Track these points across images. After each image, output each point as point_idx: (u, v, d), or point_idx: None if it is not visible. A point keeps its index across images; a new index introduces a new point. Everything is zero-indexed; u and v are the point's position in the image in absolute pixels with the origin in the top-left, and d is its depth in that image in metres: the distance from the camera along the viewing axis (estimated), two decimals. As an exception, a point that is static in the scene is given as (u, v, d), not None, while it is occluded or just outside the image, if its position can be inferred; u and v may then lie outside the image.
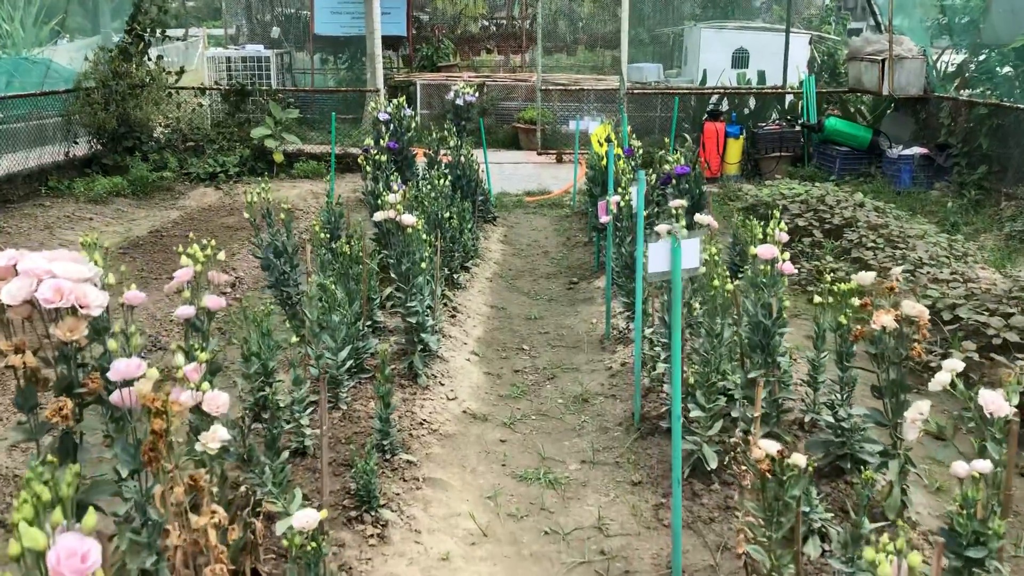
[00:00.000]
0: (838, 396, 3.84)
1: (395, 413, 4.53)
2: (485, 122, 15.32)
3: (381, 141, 7.16)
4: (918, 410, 2.64)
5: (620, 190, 5.73)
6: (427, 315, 5.04)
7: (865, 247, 7.48)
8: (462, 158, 8.44)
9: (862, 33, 20.90)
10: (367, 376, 4.98)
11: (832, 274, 7.06)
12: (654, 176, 7.11)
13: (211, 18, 24.94)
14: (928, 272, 6.67)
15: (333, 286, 4.60)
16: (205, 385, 2.66)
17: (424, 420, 4.60)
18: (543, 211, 10.90)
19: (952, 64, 12.37)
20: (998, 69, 11.39)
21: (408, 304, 4.87)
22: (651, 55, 19.39)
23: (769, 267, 3.73)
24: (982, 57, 11.75)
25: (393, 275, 5.04)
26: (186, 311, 3.49)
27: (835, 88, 15.12)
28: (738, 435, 3.26)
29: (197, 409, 2.68)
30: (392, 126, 7.62)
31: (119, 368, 2.27)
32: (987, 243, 8.56)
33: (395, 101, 7.59)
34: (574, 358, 5.89)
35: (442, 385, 5.11)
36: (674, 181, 6.45)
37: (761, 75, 14.34)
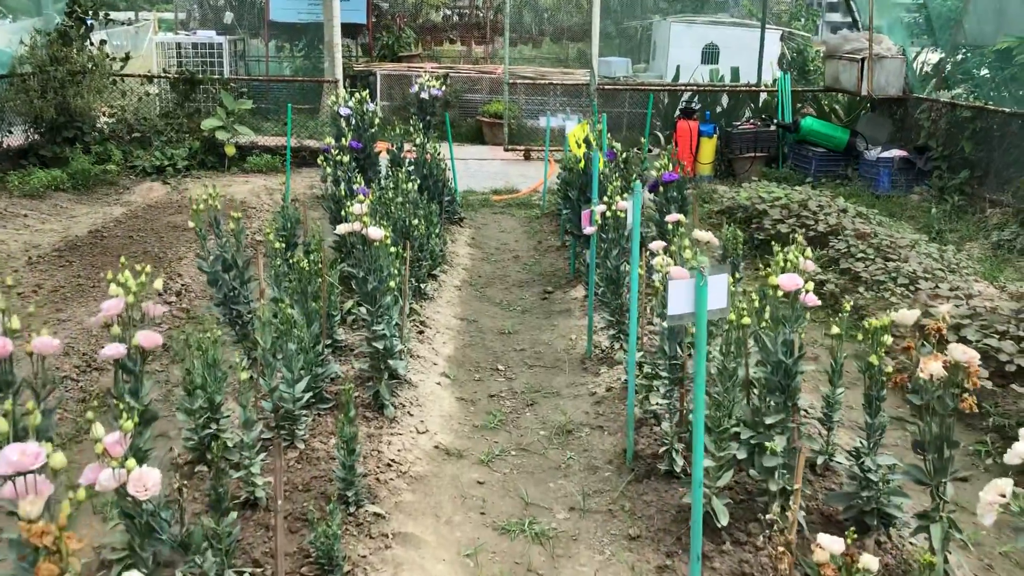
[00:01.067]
0: (863, 442, 3.41)
1: (360, 454, 4.02)
2: (449, 115, 14.79)
3: (343, 139, 6.59)
4: (998, 490, 2.20)
5: (606, 199, 5.25)
6: (395, 337, 4.52)
7: (855, 258, 7.11)
8: (428, 156, 7.90)
9: (819, 31, 20.71)
10: (327, 407, 4.46)
11: (827, 286, 6.69)
12: (637, 180, 6.65)
13: (163, 1, 23.96)
14: (926, 287, 6.31)
15: (289, 308, 4.07)
16: (131, 462, 2.13)
17: (392, 460, 4.08)
18: (511, 211, 10.41)
19: (928, 64, 12.11)
20: (975, 71, 11.15)
21: (374, 327, 4.34)
22: (618, 49, 18.97)
23: (792, 299, 3.28)
24: (959, 57, 11.50)
25: (357, 291, 4.51)
26: (114, 351, 2.95)
27: (805, 86, 14.83)
28: (774, 511, 2.82)
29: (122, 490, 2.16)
30: (354, 122, 7.05)
31: (8, 458, 1.74)
32: (973, 251, 8.26)
33: (356, 95, 7.01)
34: (554, 380, 5.41)
35: (411, 416, 4.59)
36: (661, 188, 5.99)
37: (735, 72, 13.97)
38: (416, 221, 6.03)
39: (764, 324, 3.60)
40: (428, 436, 4.47)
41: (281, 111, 12.15)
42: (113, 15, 13.92)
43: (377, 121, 7.07)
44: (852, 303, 6.54)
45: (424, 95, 9.14)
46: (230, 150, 11.39)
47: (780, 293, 3.43)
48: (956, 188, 9.76)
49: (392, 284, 4.36)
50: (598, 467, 4.25)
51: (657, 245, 4.36)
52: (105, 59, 11.16)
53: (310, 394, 4.21)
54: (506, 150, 13.54)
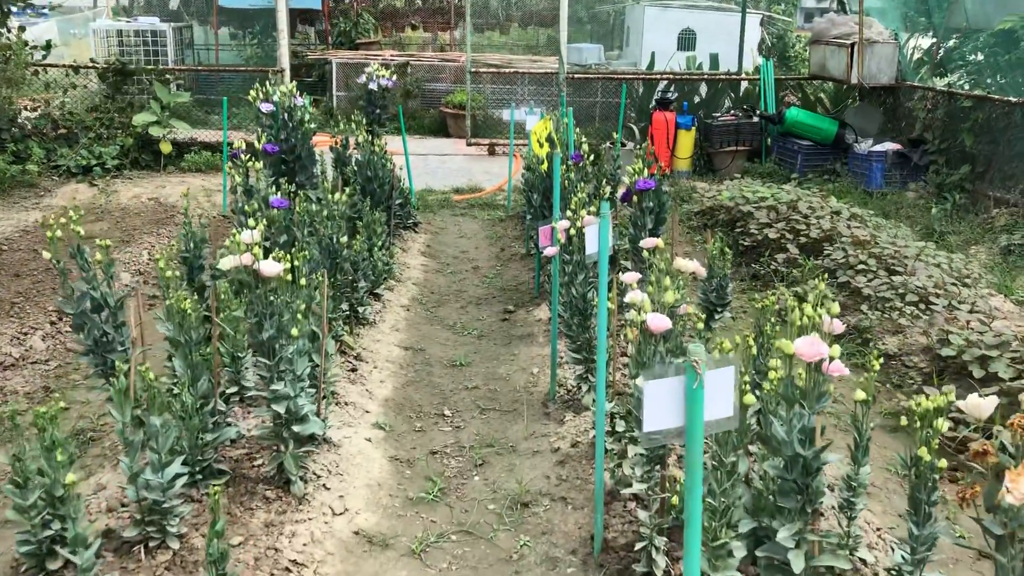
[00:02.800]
0: (905, 555, 2.56)
1: (249, 555, 3.13)
2: (410, 106, 13.80)
3: (257, 143, 5.65)
4: None
5: (570, 213, 4.36)
6: (299, 397, 3.60)
7: (854, 269, 6.27)
8: (374, 156, 6.97)
9: (796, 17, 19.90)
10: (221, 482, 3.55)
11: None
12: (607, 188, 5.80)
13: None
14: (940, 306, 5.49)
15: (165, 364, 3.16)
16: None
17: (294, 561, 3.19)
18: (473, 212, 9.51)
19: (919, 49, 11.32)
20: (971, 57, 10.37)
21: (273, 387, 3.43)
22: (590, 35, 18.06)
23: (812, 371, 2.41)
24: (951, 42, 10.71)
25: (252, 340, 3.60)
26: None
27: (786, 73, 14.01)
28: None
29: None
30: (283, 118, 6.11)
31: None
32: (980, 256, 7.48)
33: (282, 89, 6.05)
34: (510, 430, 4.53)
35: (327, 490, 3.69)
36: (635, 198, 5.12)
37: (714, 59, 13.11)
38: (345, 238, 5.11)
39: (768, 389, 2.74)
40: (346, 518, 3.58)
41: (232, 103, 11.17)
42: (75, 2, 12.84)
43: (308, 117, 6.12)
44: (855, 324, 5.73)
45: (373, 86, 8.20)
46: (166, 148, 10.40)
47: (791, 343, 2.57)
48: (956, 185, 8.96)
49: (295, 332, 3.44)
50: (558, 559, 3.37)
51: (631, 277, 3.49)
52: (24, 48, 10.12)
53: (189, 473, 3.31)
54: (469, 144, 12.61)
